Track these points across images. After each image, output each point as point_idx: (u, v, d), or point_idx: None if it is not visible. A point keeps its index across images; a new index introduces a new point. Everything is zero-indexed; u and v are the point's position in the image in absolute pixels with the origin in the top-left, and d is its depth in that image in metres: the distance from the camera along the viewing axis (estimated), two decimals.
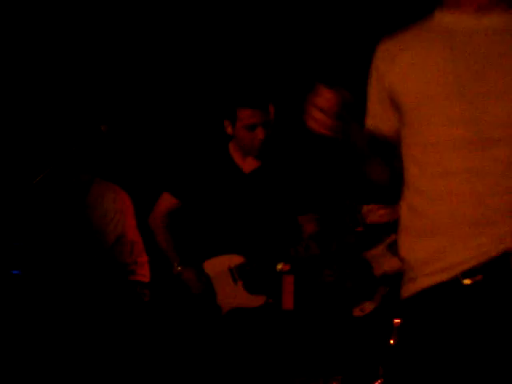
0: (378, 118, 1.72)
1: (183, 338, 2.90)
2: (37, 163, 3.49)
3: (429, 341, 1.54)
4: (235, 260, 2.89)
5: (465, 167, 1.53)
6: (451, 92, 1.55)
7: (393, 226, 2.75)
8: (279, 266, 4.58)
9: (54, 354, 3.60)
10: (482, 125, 1.52)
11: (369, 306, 3.19)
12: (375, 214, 2.68)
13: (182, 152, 3.69)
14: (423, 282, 1.56)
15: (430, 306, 1.55)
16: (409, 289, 1.61)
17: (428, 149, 1.57)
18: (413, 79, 1.61)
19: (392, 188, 1.72)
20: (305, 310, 4.70)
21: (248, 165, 3.04)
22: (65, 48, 4.70)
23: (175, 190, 3.05)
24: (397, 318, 3.18)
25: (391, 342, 3.73)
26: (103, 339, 3.62)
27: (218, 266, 2.91)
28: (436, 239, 1.54)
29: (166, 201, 3.07)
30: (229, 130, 3.03)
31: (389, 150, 1.71)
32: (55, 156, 3.22)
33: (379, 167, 1.69)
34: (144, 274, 3.79)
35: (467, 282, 1.49)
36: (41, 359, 3.62)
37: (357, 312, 3.40)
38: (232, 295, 2.88)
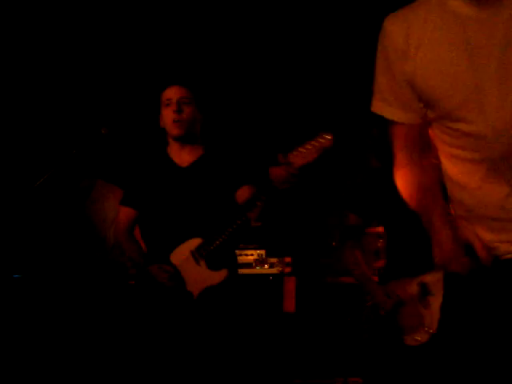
0: (395, 106, 1.60)
1: (178, 335, 2.91)
2: (38, 166, 3.49)
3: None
4: (194, 243, 2.92)
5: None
6: (479, 82, 1.47)
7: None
8: (280, 268, 4.58)
9: (54, 355, 3.61)
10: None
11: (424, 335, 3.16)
12: (298, 157, 2.63)
13: (127, 161, 3.78)
14: None
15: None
16: None
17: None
18: (437, 73, 1.52)
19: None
20: (307, 313, 4.70)
21: (185, 159, 3.06)
22: (67, 54, 4.71)
23: (128, 202, 3.11)
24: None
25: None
26: (102, 339, 3.63)
27: (181, 253, 2.95)
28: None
29: (124, 213, 3.13)
30: (161, 122, 3.06)
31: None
32: (56, 159, 3.23)
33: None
34: None
35: None
36: (42, 360, 3.63)
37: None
38: (198, 277, 2.91)
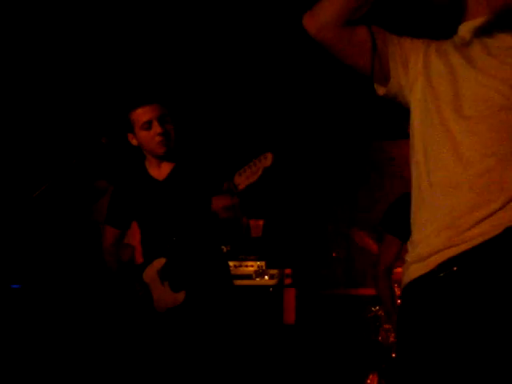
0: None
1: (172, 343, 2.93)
2: (38, 175, 3.50)
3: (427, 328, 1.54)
4: (160, 263, 2.94)
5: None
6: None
7: None
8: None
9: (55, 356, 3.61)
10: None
11: None
12: (243, 177, 2.71)
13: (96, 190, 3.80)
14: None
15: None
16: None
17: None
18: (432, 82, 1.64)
19: None
20: (307, 325, 4.69)
21: (162, 172, 3.07)
22: (67, 63, 4.73)
23: (110, 221, 3.15)
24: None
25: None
26: (105, 340, 3.64)
27: (151, 271, 2.97)
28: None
29: (109, 232, 3.16)
30: (134, 141, 3.04)
31: None
32: (56, 168, 3.24)
33: None
34: None
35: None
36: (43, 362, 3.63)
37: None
38: (162, 297, 2.92)
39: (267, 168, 2.70)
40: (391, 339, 3.66)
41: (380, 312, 3.91)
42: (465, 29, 1.69)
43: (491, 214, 1.48)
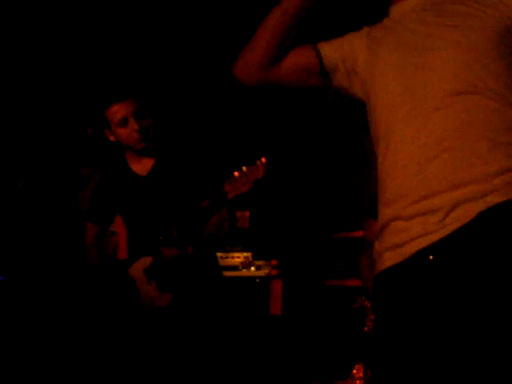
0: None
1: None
2: (22, 166, 3.48)
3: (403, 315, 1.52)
4: (148, 261, 2.92)
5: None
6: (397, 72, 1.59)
7: None
8: (266, 271, 4.58)
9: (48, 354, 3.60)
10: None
11: None
12: (233, 187, 2.72)
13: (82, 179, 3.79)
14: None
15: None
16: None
17: None
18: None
19: None
20: (293, 316, 4.69)
21: (144, 167, 3.05)
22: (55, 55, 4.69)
23: (91, 218, 3.14)
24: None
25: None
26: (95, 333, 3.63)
27: (137, 269, 2.95)
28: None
29: (91, 229, 3.15)
30: (111, 137, 3.02)
31: None
32: (41, 158, 3.22)
33: None
34: None
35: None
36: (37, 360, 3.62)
37: None
38: (150, 296, 2.91)
39: (258, 180, 2.71)
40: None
41: (366, 303, 3.93)
42: (397, 9, 1.67)
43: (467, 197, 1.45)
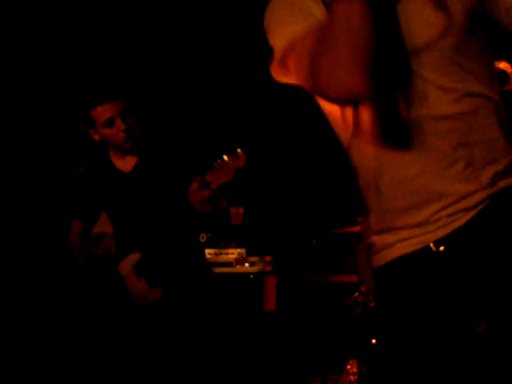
0: None
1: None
2: (14, 164, 3.47)
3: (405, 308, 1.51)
4: (137, 257, 2.94)
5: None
6: None
7: None
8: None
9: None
10: None
11: None
12: (216, 177, 2.74)
13: (73, 177, 3.79)
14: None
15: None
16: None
17: None
18: None
19: None
20: (287, 312, 4.70)
21: (128, 164, 3.05)
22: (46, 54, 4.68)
23: (76, 215, 3.14)
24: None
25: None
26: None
27: (126, 266, 2.96)
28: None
29: (76, 227, 3.15)
30: (96, 136, 3.02)
31: None
32: (37, 152, 3.23)
33: None
34: None
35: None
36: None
37: None
38: (139, 292, 2.92)
39: (240, 168, 2.73)
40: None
41: (359, 298, 3.94)
42: None
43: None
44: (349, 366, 4.01)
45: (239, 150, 2.76)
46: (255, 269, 4.64)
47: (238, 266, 4.65)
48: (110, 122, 2.90)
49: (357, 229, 4.03)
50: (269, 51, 1.50)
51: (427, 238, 1.45)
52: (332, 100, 1.39)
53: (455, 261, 1.44)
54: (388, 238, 1.52)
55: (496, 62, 2.46)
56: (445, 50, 1.41)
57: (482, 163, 1.43)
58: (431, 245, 1.45)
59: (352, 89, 1.30)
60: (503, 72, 2.47)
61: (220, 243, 4.71)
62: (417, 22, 1.41)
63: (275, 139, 5.17)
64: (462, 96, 1.42)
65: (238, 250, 4.69)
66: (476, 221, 1.42)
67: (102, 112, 2.91)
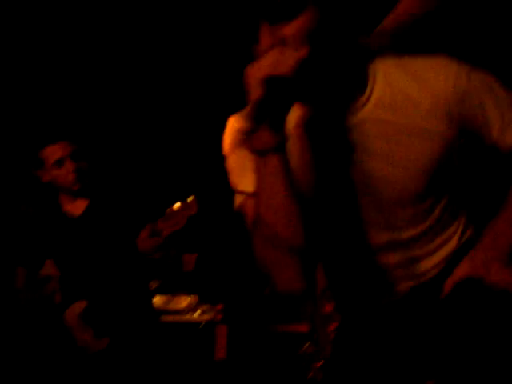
0: None
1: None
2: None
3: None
4: (83, 305, 2.89)
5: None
6: None
7: None
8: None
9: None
10: None
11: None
12: (167, 224, 2.76)
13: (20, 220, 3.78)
14: None
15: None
16: None
17: None
18: None
19: None
20: (238, 361, 4.64)
21: (77, 208, 3.03)
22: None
23: (22, 262, 3.08)
24: None
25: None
26: None
27: (71, 315, 2.91)
28: None
29: (20, 274, 3.09)
30: (44, 178, 3.01)
31: None
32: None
33: None
34: None
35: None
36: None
37: None
38: (86, 341, 2.86)
39: (192, 216, 2.74)
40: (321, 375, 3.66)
41: (311, 349, 3.91)
42: None
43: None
44: None
45: (191, 198, 2.76)
46: (206, 317, 4.58)
47: (189, 315, 4.58)
48: (59, 163, 2.88)
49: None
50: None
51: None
52: None
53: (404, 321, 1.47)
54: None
55: None
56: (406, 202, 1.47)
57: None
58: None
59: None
60: None
61: (171, 290, 4.66)
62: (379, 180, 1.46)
63: (228, 187, 5.17)
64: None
65: (189, 298, 4.63)
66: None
67: (52, 152, 2.89)
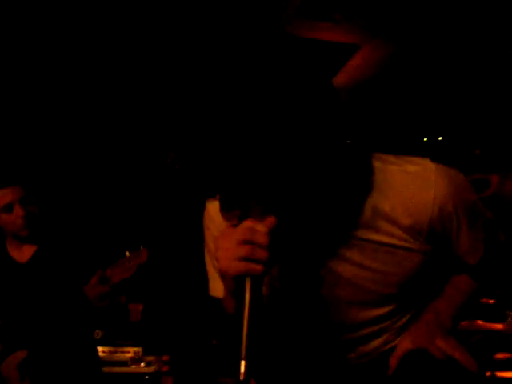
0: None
1: None
2: None
3: None
4: (22, 355, 2.81)
5: None
6: None
7: None
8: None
9: None
10: None
11: None
12: (117, 272, 2.78)
13: None
14: None
15: None
16: None
17: None
18: None
19: None
20: None
21: (24, 254, 2.99)
22: None
23: None
24: None
25: None
26: None
27: (9, 365, 2.82)
28: None
29: None
30: None
31: None
32: None
33: None
34: None
35: None
36: None
37: None
38: None
39: (141, 264, 2.74)
40: None
41: None
42: None
43: None
44: None
45: (142, 247, 2.76)
46: (151, 369, 4.50)
47: (134, 366, 4.50)
48: (8, 208, 2.83)
49: None
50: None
51: None
52: None
53: None
54: None
55: None
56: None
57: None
58: None
59: None
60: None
61: (115, 341, 4.57)
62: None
63: (180, 237, 5.17)
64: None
65: (134, 349, 4.55)
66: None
67: (2, 196, 2.84)
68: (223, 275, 1.27)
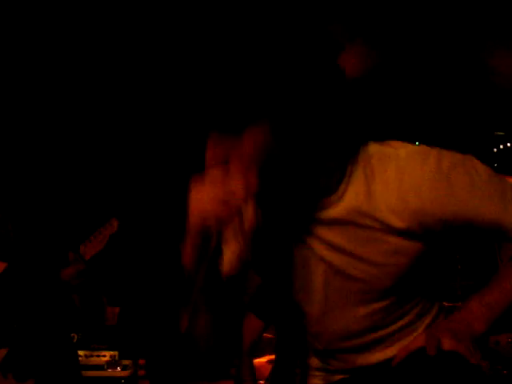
0: None
1: None
2: None
3: None
4: (2, 353, 2.83)
5: None
6: None
7: None
8: None
9: None
10: None
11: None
12: (89, 248, 2.82)
13: None
14: None
15: None
16: None
17: None
18: None
19: None
20: None
21: None
22: None
23: None
24: None
25: None
26: None
27: None
28: None
29: None
30: None
31: None
32: None
33: None
34: None
35: None
36: None
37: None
38: None
39: (113, 234, 2.77)
40: None
41: None
42: None
43: None
44: None
45: (112, 220, 2.81)
46: (127, 373, 4.47)
47: (110, 370, 4.46)
48: None
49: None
50: None
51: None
52: None
53: None
54: None
55: None
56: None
57: None
58: None
59: None
60: None
61: (91, 344, 4.53)
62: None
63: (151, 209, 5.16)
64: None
65: (110, 353, 4.51)
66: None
67: None
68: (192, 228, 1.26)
